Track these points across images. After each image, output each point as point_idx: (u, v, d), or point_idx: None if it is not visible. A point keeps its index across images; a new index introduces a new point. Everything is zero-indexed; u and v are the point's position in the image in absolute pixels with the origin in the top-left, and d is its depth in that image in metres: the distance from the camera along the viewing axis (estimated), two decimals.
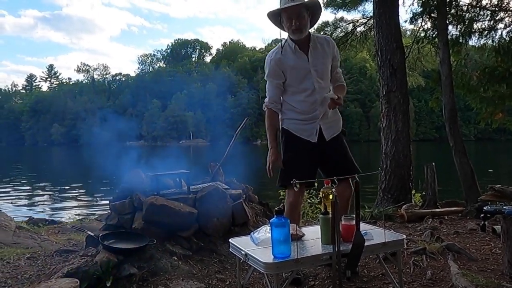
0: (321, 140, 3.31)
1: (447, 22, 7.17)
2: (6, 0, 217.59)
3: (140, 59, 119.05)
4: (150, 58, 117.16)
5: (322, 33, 10.68)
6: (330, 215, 2.54)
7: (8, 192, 17.58)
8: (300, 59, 3.23)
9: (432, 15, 7.48)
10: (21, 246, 5.05)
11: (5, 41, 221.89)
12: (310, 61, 3.23)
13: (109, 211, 4.39)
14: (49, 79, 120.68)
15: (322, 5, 8.40)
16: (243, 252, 2.61)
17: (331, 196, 2.63)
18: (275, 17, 3.27)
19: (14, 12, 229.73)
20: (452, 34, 7.60)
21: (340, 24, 10.70)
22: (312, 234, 2.82)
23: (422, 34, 8.32)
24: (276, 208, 2.47)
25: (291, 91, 3.31)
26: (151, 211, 3.93)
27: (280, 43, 3.30)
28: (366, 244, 2.55)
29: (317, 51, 3.27)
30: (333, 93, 3.23)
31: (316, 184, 5.27)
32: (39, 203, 15.01)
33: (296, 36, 3.19)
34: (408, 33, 10.65)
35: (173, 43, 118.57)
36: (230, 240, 2.86)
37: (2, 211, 6.12)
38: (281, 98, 3.37)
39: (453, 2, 7.57)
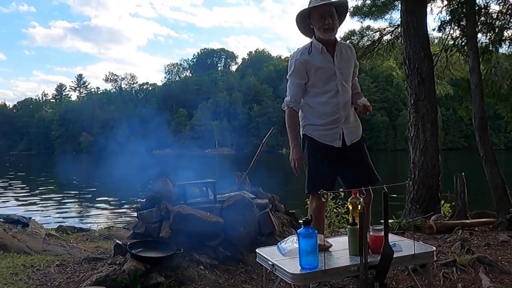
0: (343, 145, 3.29)
1: (477, 30, 7.05)
2: (37, 12, 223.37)
3: (167, 68, 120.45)
4: (176, 68, 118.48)
5: (348, 41, 10.64)
6: (358, 226, 2.51)
7: (38, 200, 17.91)
8: (327, 60, 3.23)
9: (461, 23, 7.38)
10: (51, 253, 5.13)
11: (36, 52, 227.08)
12: (336, 63, 3.23)
13: (137, 219, 4.43)
14: (78, 88, 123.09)
15: (348, 14, 8.40)
16: (270, 263, 2.59)
17: (359, 207, 2.60)
18: (304, 18, 3.27)
19: (45, 23, 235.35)
20: (482, 42, 7.47)
21: (367, 32, 10.62)
22: (340, 245, 2.79)
23: (451, 42, 8.19)
24: (303, 219, 2.46)
25: (314, 92, 3.28)
26: (178, 220, 3.95)
27: (309, 45, 3.28)
28: (395, 255, 2.51)
29: (342, 54, 3.28)
30: (365, 99, 3.22)
31: (342, 194, 5.22)
32: (68, 210, 15.25)
33: (328, 35, 3.18)
34: (436, 41, 10.50)
35: (199, 53, 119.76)
36: (257, 250, 2.85)
37: (33, 218, 6.23)
38: (302, 99, 3.34)
39: (483, 10, 7.45)
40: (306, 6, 3.23)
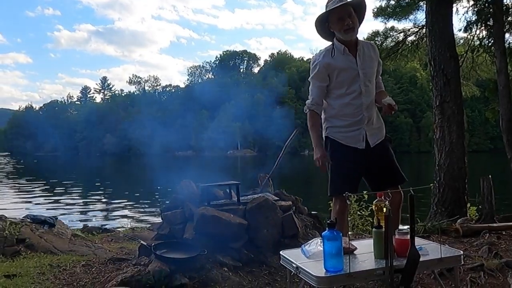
0: (367, 147, 3.26)
1: (504, 30, 6.93)
2: (62, 15, 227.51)
3: (189, 70, 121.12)
4: (199, 70, 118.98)
5: (372, 42, 10.54)
6: (384, 229, 2.49)
7: (64, 200, 18.18)
8: (349, 61, 3.19)
9: (488, 23, 7.26)
10: (77, 253, 5.21)
11: (61, 55, 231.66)
12: (359, 64, 3.19)
13: (161, 220, 4.46)
14: (102, 90, 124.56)
15: (372, 15, 8.30)
16: (294, 265, 2.59)
17: (384, 210, 2.57)
18: (322, 23, 3.24)
19: (69, 26, 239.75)
20: (510, 43, 7.34)
21: (391, 33, 10.51)
22: (365, 248, 2.76)
23: (477, 43, 8.07)
24: (328, 221, 2.45)
25: (337, 94, 3.24)
26: (202, 221, 3.97)
27: (331, 47, 3.25)
28: (421, 259, 2.47)
29: (365, 54, 3.24)
30: (390, 98, 3.19)
31: (366, 197, 5.18)
32: (93, 211, 15.45)
33: (349, 36, 3.15)
34: (461, 41, 10.34)
35: (222, 55, 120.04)
36: (281, 252, 2.84)
37: (59, 219, 6.33)
38: (324, 101, 3.31)
39: (511, 10, 7.31)
40: (325, 10, 3.21)
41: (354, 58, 3.19)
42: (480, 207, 6.23)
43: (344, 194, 2.60)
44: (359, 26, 3.23)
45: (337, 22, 3.15)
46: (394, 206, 3.12)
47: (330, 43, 3.28)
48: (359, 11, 3.23)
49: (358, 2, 3.18)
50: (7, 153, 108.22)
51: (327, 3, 3.19)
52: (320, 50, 3.35)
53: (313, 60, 3.33)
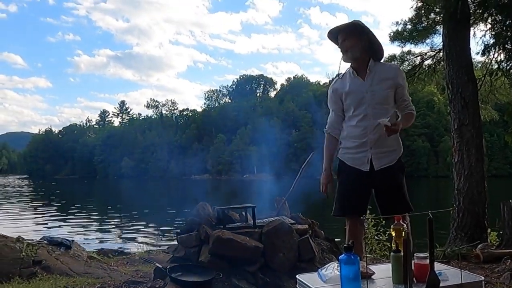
0: (371, 169, 3.22)
1: None
2: (82, 40, 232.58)
3: (207, 94, 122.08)
4: (216, 94, 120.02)
5: None
6: (402, 253, 2.44)
7: (81, 222, 18.29)
8: (356, 83, 3.21)
9: (506, 46, 7.22)
10: (92, 276, 5.21)
11: (80, 79, 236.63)
12: (367, 86, 3.19)
13: (177, 243, 4.45)
14: (120, 114, 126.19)
15: (389, 39, 8.30)
16: None
17: (403, 234, 2.53)
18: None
19: (89, 51, 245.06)
20: None
21: (408, 57, 10.51)
22: (383, 273, 2.71)
23: (495, 66, 8.02)
24: (345, 245, 2.41)
25: (347, 116, 3.29)
26: (217, 244, 3.95)
27: (343, 72, 3.34)
28: (441, 285, 2.41)
29: (376, 75, 3.22)
30: (389, 120, 3.14)
31: (384, 221, 5.12)
32: (109, 234, 15.49)
33: (344, 58, 3.25)
34: (479, 65, 10.29)
35: (239, 79, 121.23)
36: (297, 276, 2.80)
37: (75, 241, 6.36)
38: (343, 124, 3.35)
39: None
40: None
41: (363, 80, 3.20)
42: (501, 232, 6.10)
43: (362, 217, 2.57)
44: (367, 45, 3.22)
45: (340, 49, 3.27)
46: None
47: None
48: (357, 35, 3.23)
49: (344, 28, 3.24)
50: (26, 176, 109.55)
51: None
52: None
53: (330, 87, 3.43)
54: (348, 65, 3.34)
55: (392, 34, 9.92)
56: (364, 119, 3.19)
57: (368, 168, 3.22)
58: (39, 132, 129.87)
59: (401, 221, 2.69)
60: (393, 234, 2.67)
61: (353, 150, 3.26)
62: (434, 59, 9.99)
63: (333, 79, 3.46)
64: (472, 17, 7.49)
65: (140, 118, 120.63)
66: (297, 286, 2.80)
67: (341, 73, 3.31)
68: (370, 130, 3.19)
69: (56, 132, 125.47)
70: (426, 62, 10.19)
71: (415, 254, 2.57)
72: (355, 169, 3.24)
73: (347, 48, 3.22)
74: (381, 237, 6.72)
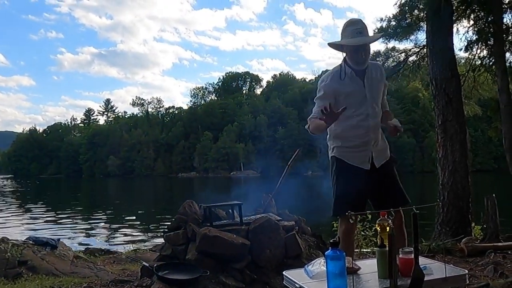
0: (372, 167, 3.26)
1: (505, 49, 6.96)
2: (65, 38, 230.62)
3: (192, 92, 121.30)
4: (202, 91, 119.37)
5: None
6: (387, 248, 2.46)
7: (67, 222, 18.15)
8: (357, 84, 3.21)
9: (489, 42, 7.30)
10: (79, 275, 5.18)
11: (64, 77, 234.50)
12: (366, 86, 3.21)
13: (164, 241, 4.44)
14: (106, 113, 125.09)
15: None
16: (297, 285, 2.56)
17: (388, 229, 2.56)
18: (337, 45, 3.30)
19: (72, 49, 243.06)
20: (511, 62, 7.37)
21: (392, 54, 10.57)
22: (368, 268, 2.74)
23: (478, 62, 8.10)
24: (331, 241, 2.42)
25: (345, 116, 3.17)
26: (204, 242, 3.95)
27: (339, 69, 3.27)
28: (425, 279, 2.44)
29: (373, 76, 3.26)
30: (397, 121, 3.20)
31: (369, 216, 5.15)
32: (95, 233, 15.40)
33: (360, 66, 3.19)
34: (462, 61, 10.38)
35: (224, 76, 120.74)
36: (284, 272, 2.81)
37: (61, 240, 6.31)
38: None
39: (511, 29, 7.36)
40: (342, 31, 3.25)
41: (362, 81, 3.21)
42: (484, 226, 6.18)
43: (347, 213, 2.58)
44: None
45: (351, 52, 3.19)
46: (395, 226, 3.11)
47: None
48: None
49: (378, 37, 3.24)
50: (10, 175, 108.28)
51: (346, 27, 3.23)
52: (328, 72, 3.37)
53: (321, 81, 3.34)
54: (338, 62, 3.34)
55: (376, 30, 9.95)
56: (366, 119, 3.21)
57: (369, 166, 3.25)
58: (23, 131, 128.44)
59: (387, 215, 2.72)
60: (378, 229, 2.70)
61: (354, 149, 3.26)
62: (418, 56, 10.05)
63: (323, 75, 3.41)
64: (455, 14, 7.55)
65: (126, 116, 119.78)
66: (284, 282, 2.81)
67: (339, 73, 3.23)
68: (371, 129, 3.23)
69: (41, 131, 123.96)
70: (411, 59, 10.25)
71: (400, 249, 2.60)
72: (356, 167, 3.24)
73: (368, 57, 3.20)
74: (367, 232, 6.77)
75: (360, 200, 3.22)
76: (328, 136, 3.36)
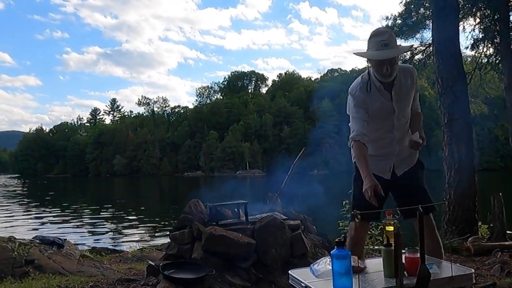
0: (393, 176, 3.22)
1: (511, 47, 6.93)
2: (70, 38, 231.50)
3: (198, 91, 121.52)
4: (207, 91, 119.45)
5: None
6: (393, 247, 2.46)
7: (73, 221, 18.22)
8: (385, 98, 3.10)
9: (495, 40, 7.27)
10: (85, 274, 5.20)
11: (70, 77, 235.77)
12: (394, 99, 3.09)
13: (169, 241, 4.45)
14: (112, 112, 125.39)
15: None
16: (303, 284, 2.55)
17: (392, 228, 2.55)
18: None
19: (78, 49, 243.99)
20: None
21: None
22: (374, 267, 2.73)
23: (485, 60, 8.07)
24: (336, 240, 2.42)
25: (370, 124, 3.14)
26: (210, 241, 3.95)
27: (367, 79, 3.12)
28: (431, 278, 2.43)
29: (402, 87, 3.12)
30: (418, 136, 3.10)
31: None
32: (102, 232, 15.44)
33: (386, 79, 3.05)
34: (469, 59, 10.34)
35: (230, 75, 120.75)
36: (289, 271, 2.81)
37: (67, 240, 6.33)
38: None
39: None
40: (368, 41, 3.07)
41: (390, 94, 3.09)
42: (491, 225, 6.15)
43: (352, 213, 2.57)
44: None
45: (375, 64, 3.03)
46: (427, 233, 3.09)
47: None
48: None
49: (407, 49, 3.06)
50: (17, 175, 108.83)
51: (371, 37, 3.04)
52: (357, 81, 3.20)
53: (352, 89, 3.20)
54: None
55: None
56: (391, 130, 3.15)
57: (389, 176, 3.21)
58: (29, 131, 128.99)
59: (391, 215, 2.72)
60: (384, 228, 2.70)
61: (375, 158, 3.19)
62: (424, 54, 10.03)
63: (353, 83, 3.21)
64: (461, 12, 7.53)
65: (132, 116, 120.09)
66: (289, 281, 2.81)
67: (367, 84, 3.09)
68: (396, 141, 3.17)
69: (47, 130, 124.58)
70: (417, 57, 10.23)
71: (406, 248, 2.59)
72: (376, 176, 3.11)
73: (394, 70, 3.01)
74: (373, 232, 6.75)
75: (372, 207, 3.14)
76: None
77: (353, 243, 3.17)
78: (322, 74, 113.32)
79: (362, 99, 3.10)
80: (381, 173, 3.20)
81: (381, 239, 5.65)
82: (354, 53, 3.12)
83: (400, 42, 10.01)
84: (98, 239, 13.39)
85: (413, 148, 3.13)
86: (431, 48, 8.12)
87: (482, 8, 7.65)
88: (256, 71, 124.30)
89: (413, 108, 3.27)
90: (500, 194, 6.11)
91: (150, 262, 4.28)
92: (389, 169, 3.21)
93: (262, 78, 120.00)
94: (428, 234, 3.03)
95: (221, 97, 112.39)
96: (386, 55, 2.94)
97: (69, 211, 22.45)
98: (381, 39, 2.96)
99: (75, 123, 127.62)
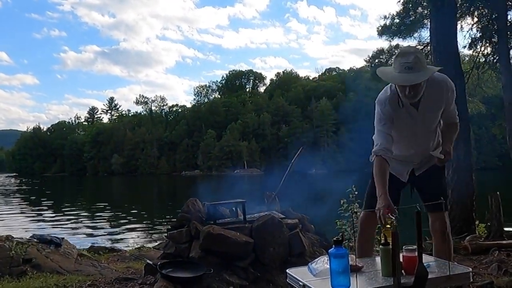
0: (411, 178, 3.22)
1: (509, 46, 6.94)
2: (68, 36, 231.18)
3: (196, 90, 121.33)
4: (205, 89, 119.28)
5: (377, 60, 10.59)
6: (391, 246, 2.46)
7: (71, 220, 18.20)
8: (411, 114, 3.03)
9: (493, 39, 7.28)
10: (83, 273, 5.19)
11: (67, 76, 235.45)
12: (421, 114, 3.02)
13: (167, 239, 4.45)
14: (109, 111, 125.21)
15: (377, 33, 8.29)
16: (301, 283, 2.56)
17: (389, 226, 2.56)
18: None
19: (76, 47, 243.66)
20: None
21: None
22: (372, 266, 2.73)
23: (482, 60, 8.08)
24: (334, 238, 2.42)
25: (393, 132, 3.08)
26: (208, 240, 3.95)
27: (396, 92, 3.01)
28: (429, 277, 2.44)
29: (430, 102, 3.02)
30: (440, 152, 3.04)
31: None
32: (99, 231, 15.43)
33: (409, 100, 2.94)
34: (466, 58, 10.35)
35: (228, 74, 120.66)
36: (287, 270, 2.81)
37: (65, 239, 6.32)
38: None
39: None
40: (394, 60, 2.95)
41: (416, 109, 3.02)
42: (488, 224, 6.17)
43: (353, 210, 2.58)
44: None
45: (398, 86, 2.94)
46: (435, 233, 3.09)
47: None
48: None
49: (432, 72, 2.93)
50: (14, 174, 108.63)
51: (396, 57, 2.88)
52: (385, 91, 3.09)
53: (380, 103, 3.09)
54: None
55: (380, 28, 9.94)
56: (414, 140, 3.13)
57: (406, 179, 3.22)
58: (27, 129, 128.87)
59: (391, 215, 2.71)
60: (381, 226, 2.70)
61: (395, 160, 3.14)
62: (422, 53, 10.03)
63: (379, 95, 3.12)
64: (459, 11, 7.54)
65: (130, 115, 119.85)
66: (287, 280, 2.81)
67: (396, 97, 2.98)
68: (418, 149, 3.16)
69: (45, 129, 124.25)
70: None
71: (403, 247, 2.59)
72: (393, 176, 3.12)
73: (418, 93, 2.89)
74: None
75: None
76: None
77: (363, 241, 3.19)
78: (320, 73, 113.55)
79: (389, 114, 3.02)
80: (399, 174, 3.21)
81: (379, 238, 5.66)
82: (377, 73, 2.99)
83: (398, 41, 10.04)
84: (96, 238, 13.38)
85: (438, 163, 3.11)
86: (429, 47, 8.13)
87: (480, 7, 7.65)
88: (254, 70, 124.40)
89: (447, 117, 3.20)
90: (498, 193, 6.13)
91: (148, 261, 4.28)
92: (406, 172, 3.21)
93: (260, 77, 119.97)
94: (439, 235, 3.04)
95: (219, 96, 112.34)
96: (406, 80, 2.80)
97: (66, 210, 22.42)
98: (405, 61, 2.79)
99: (73, 122, 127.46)
